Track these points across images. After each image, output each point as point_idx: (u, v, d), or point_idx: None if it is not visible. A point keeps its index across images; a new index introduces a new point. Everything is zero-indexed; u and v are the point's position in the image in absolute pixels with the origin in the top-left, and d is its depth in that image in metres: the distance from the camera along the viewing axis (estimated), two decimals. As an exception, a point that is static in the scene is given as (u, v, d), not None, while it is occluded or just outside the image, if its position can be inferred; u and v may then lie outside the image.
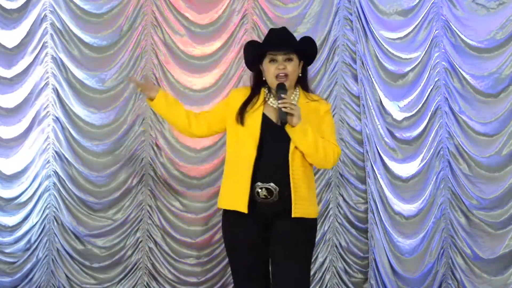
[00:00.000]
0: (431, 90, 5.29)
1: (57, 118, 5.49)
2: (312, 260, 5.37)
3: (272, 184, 3.17)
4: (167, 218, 5.48)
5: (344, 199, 5.44)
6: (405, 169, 5.33)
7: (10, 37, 5.50)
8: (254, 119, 3.24)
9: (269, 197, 3.18)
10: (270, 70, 3.25)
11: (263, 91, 3.33)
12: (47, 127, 5.51)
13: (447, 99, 5.27)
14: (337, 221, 5.44)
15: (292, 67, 3.25)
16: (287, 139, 3.18)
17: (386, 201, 5.32)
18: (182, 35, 5.50)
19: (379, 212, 5.30)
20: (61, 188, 5.48)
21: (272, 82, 3.26)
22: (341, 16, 5.40)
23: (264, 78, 3.31)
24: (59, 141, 5.49)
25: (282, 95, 3.13)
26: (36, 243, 5.47)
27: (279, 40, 3.27)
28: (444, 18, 5.25)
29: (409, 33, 5.31)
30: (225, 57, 5.48)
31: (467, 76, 5.22)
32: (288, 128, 3.13)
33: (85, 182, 5.49)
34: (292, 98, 3.29)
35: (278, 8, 5.44)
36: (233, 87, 5.45)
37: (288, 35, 3.31)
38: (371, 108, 5.32)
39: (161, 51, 5.49)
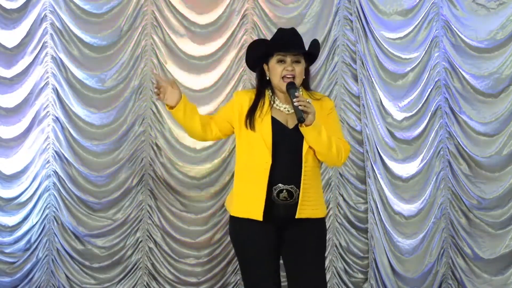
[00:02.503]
0: (431, 90, 5.29)
1: (57, 118, 5.49)
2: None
3: (293, 186, 3.14)
4: (167, 218, 5.48)
5: (344, 199, 5.44)
6: (405, 169, 5.32)
7: (10, 37, 5.50)
8: (264, 125, 3.20)
9: (289, 199, 3.16)
10: (277, 70, 3.21)
11: (267, 94, 3.29)
12: (47, 127, 5.50)
13: (447, 99, 5.27)
14: (337, 221, 5.44)
15: (300, 69, 3.22)
16: (299, 141, 3.16)
17: (386, 201, 5.32)
18: (182, 35, 5.50)
19: (379, 212, 5.30)
20: (61, 188, 5.48)
21: (278, 82, 3.22)
22: (341, 16, 5.40)
23: (267, 78, 3.28)
24: (59, 141, 5.49)
25: (296, 93, 3.10)
26: (36, 243, 5.47)
27: (290, 42, 3.23)
28: (444, 18, 5.25)
29: (409, 33, 5.31)
30: (225, 57, 5.47)
31: (467, 76, 5.22)
32: (302, 128, 3.10)
33: (85, 182, 5.49)
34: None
35: (278, 8, 5.44)
36: (233, 87, 5.45)
37: (298, 37, 3.27)
38: (371, 108, 5.32)
39: (161, 51, 5.49)
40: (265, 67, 3.29)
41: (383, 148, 5.33)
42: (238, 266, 5.45)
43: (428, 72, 5.29)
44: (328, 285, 5.42)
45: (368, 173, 5.36)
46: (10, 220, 5.48)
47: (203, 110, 5.47)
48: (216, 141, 5.36)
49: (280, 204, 3.17)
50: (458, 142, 5.24)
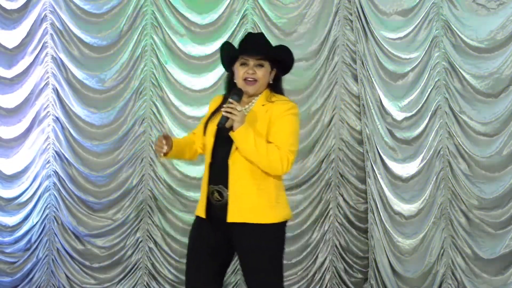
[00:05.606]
0: (431, 90, 5.28)
1: (57, 118, 5.50)
2: (312, 260, 5.39)
3: (221, 186, 3.19)
4: (167, 218, 5.48)
5: (344, 199, 5.44)
6: (405, 169, 5.32)
7: (11, 37, 5.52)
8: (211, 128, 3.29)
9: (221, 199, 3.20)
10: (240, 73, 3.26)
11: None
12: (47, 127, 5.52)
13: (447, 99, 5.26)
14: (337, 221, 5.44)
15: (262, 73, 3.26)
16: (232, 143, 3.19)
17: (386, 201, 5.31)
18: (182, 35, 5.50)
19: (379, 212, 5.30)
20: (61, 188, 5.49)
21: (241, 85, 3.27)
22: (341, 16, 5.39)
23: (235, 81, 3.33)
24: (59, 141, 5.50)
25: (230, 100, 3.14)
26: (36, 243, 5.48)
27: (252, 45, 3.27)
28: (444, 18, 5.24)
29: (409, 33, 5.30)
30: (225, 57, 5.47)
31: (467, 76, 5.21)
32: (231, 133, 3.14)
33: (85, 182, 5.50)
34: (251, 103, 3.29)
35: (278, 8, 5.44)
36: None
37: (263, 41, 3.32)
38: (371, 108, 5.31)
39: (161, 51, 5.50)
40: (234, 70, 3.34)
41: (383, 148, 5.32)
42: (238, 266, 5.46)
43: (428, 72, 5.28)
44: (328, 285, 5.42)
45: (368, 173, 5.36)
46: (10, 220, 5.50)
47: (203, 110, 5.48)
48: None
49: (216, 205, 3.22)
50: (458, 142, 5.23)
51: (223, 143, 3.21)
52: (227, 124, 3.12)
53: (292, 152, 3.20)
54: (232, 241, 3.24)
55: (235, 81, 3.32)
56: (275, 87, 3.34)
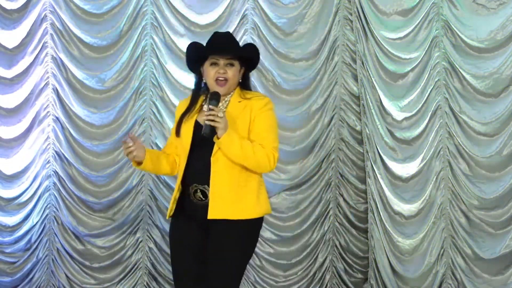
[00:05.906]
0: (431, 90, 5.28)
1: (57, 118, 5.50)
2: (312, 260, 5.38)
3: (206, 186, 3.17)
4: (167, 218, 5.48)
5: (344, 199, 5.44)
6: (405, 169, 5.32)
7: (11, 37, 5.51)
8: (187, 129, 3.26)
9: (204, 198, 3.19)
10: (210, 73, 3.24)
11: (202, 97, 3.34)
12: (47, 127, 5.52)
13: (447, 99, 5.26)
14: (337, 221, 5.44)
15: (232, 73, 3.25)
16: (213, 143, 3.17)
17: (386, 201, 5.31)
18: (182, 35, 5.50)
19: (379, 212, 5.30)
20: (61, 188, 5.49)
21: (212, 85, 3.26)
22: (341, 16, 5.39)
23: (204, 81, 3.32)
24: (59, 141, 5.50)
25: (211, 106, 3.12)
26: (36, 243, 5.48)
27: (222, 45, 3.26)
28: (444, 18, 5.24)
29: (409, 33, 5.30)
30: (225, 57, 5.47)
31: (467, 76, 5.20)
32: (216, 140, 3.12)
33: (85, 182, 5.50)
34: (224, 101, 3.27)
35: (278, 8, 5.44)
36: (233, 87, 5.45)
37: (231, 40, 3.32)
38: (371, 108, 5.31)
39: (161, 51, 5.50)
40: (202, 70, 3.32)
41: (383, 148, 5.32)
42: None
43: (428, 72, 5.28)
44: (328, 285, 5.42)
45: (368, 173, 5.36)
46: (10, 220, 5.50)
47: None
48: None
49: (197, 204, 3.20)
50: (458, 142, 5.23)
51: (201, 143, 3.19)
52: (205, 134, 3.10)
53: (276, 148, 3.22)
54: (210, 237, 3.23)
55: (204, 81, 3.31)
56: (244, 84, 3.34)
